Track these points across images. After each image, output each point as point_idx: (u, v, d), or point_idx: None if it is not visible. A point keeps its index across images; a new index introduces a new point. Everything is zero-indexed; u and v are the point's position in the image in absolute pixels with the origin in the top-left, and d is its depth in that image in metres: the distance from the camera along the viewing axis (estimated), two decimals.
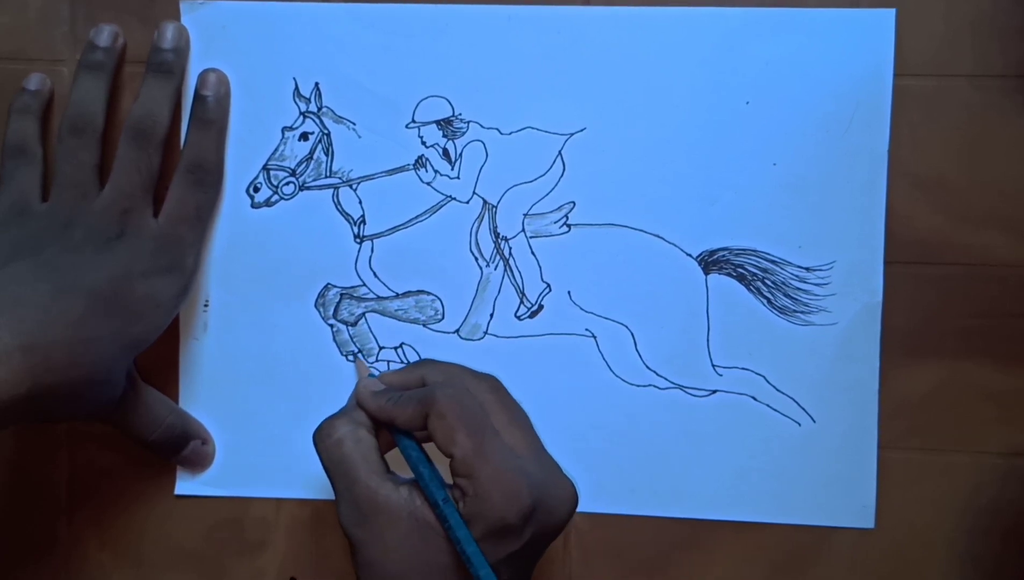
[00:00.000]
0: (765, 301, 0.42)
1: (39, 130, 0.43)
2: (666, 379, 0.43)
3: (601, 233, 0.42)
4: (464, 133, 0.43)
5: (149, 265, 0.40)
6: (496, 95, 0.42)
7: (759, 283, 0.42)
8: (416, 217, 0.43)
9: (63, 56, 0.44)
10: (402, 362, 0.43)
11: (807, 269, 0.42)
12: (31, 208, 0.41)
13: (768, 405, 0.42)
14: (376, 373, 0.39)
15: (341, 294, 0.43)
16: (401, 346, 0.43)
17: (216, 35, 0.43)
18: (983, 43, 0.41)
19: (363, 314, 0.43)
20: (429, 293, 0.43)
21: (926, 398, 0.42)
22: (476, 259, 0.43)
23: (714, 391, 0.42)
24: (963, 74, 0.42)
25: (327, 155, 0.43)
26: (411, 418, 0.35)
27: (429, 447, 0.36)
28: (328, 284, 0.43)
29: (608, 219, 0.42)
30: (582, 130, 0.42)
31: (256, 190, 0.43)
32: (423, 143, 0.43)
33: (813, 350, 0.42)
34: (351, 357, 0.43)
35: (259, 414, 0.43)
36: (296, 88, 0.43)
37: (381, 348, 0.43)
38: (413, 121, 0.43)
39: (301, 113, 0.43)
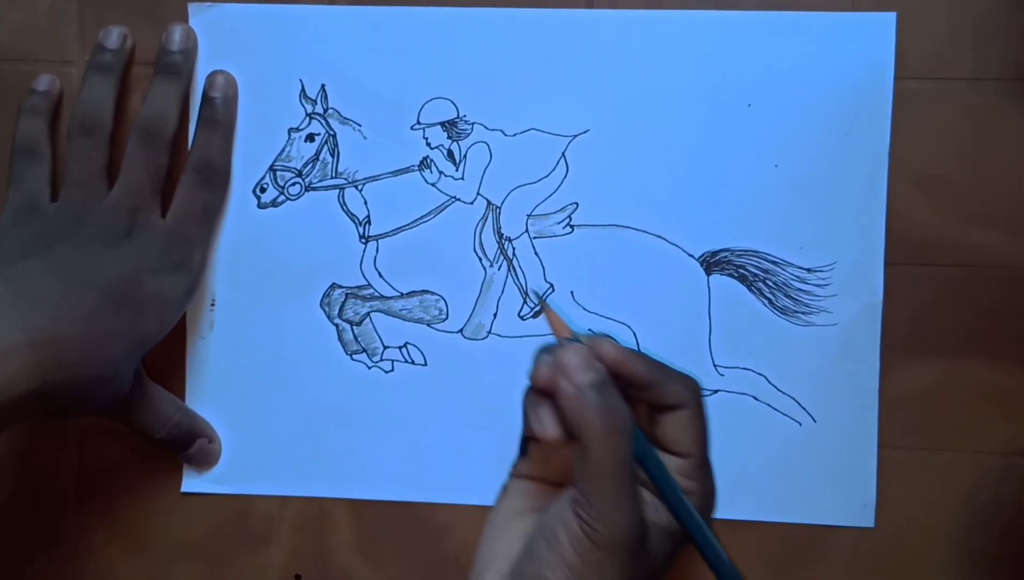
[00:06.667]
0: (766, 301, 0.43)
1: (48, 130, 0.43)
2: None
3: (604, 234, 0.43)
4: (468, 134, 0.43)
5: (158, 263, 0.40)
6: (500, 97, 0.43)
7: (760, 284, 0.42)
8: (421, 218, 0.43)
9: (72, 57, 0.44)
10: (406, 361, 0.43)
11: (808, 270, 0.42)
12: (41, 207, 0.41)
13: (769, 404, 0.43)
14: (579, 339, 0.34)
15: (346, 294, 0.44)
16: (405, 346, 0.44)
17: (224, 37, 0.43)
18: (983, 46, 0.42)
19: (368, 314, 0.44)
20: (433, 293, 0.44)
21: (926, 397, 0.42)
22: (480, 259, 0.43)
23: (715, 391, 0.43)
24: (963, 77, 0.42)
25: (333, 156, 0.43)
26: (673, 394, 0.34)
27: None
28: (333, 284, 0.44)
29: (611, 220, 0.43)
30: (585, 132, 0.43)
31: (262, 190, 0.44)
32: (428, 144, 0.43)
33: (814, 350, 0.42)
34: (355, 356, 0.44)
35: (264, 412, 0.44)
36: (302, 89, 0.43)
37: (386, 347, 0.44)
38: (418, 123, 0.43)
39: (307, 114, 0.43)
